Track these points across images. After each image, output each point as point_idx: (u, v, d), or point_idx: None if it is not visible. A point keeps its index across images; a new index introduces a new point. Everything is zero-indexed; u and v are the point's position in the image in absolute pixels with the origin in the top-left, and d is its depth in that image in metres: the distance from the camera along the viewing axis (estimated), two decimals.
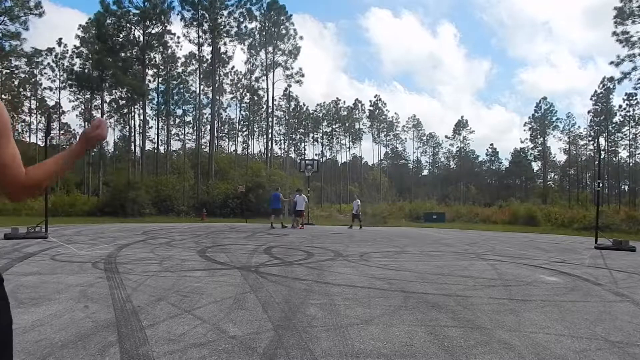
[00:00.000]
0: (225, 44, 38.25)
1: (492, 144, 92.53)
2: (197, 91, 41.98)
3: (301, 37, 44.43)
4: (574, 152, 60.39)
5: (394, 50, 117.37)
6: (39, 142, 52.50)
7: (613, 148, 56.97)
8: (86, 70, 39.65)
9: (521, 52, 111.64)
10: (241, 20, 37.97)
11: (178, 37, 37.01)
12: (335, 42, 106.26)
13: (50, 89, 48.87)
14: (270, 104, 45.56)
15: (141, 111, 38.13)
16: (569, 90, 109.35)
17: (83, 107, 48.61)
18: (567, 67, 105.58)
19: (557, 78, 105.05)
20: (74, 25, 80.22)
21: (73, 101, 48.55)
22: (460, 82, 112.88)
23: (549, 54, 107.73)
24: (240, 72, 48.15)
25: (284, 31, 41.76)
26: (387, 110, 71.57)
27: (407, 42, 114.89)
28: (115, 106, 42.19)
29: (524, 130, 69.07)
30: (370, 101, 72.49)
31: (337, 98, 72.25)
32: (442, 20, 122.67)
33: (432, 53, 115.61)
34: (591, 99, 56.51)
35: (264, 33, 41.26)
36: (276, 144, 58.89)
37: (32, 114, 55.10)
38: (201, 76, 40.06)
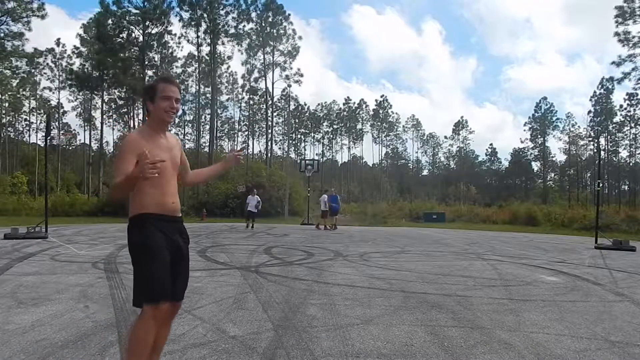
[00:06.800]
0: (223, 44, 38.29)
1: (491, 144, 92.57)
2: (196, 91, 42.06)
3: (300, 37, 44.44)
4: (574, 152, 60.40)
5: (379, 48, 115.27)
6: (39, 142, 52.61)
7: (613, 148, 57.01)
8: (86, 70, 39.72)
9: (506, 49, 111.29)
10: (239, 20, 38.02)
11: (178, 38, 37.04)
12: (320, 40, 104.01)
13: (50, 89, 49.03)
14: (269, 104, 45.61)
15: (141, 111, 38.15)
16: (558, 88, 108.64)
17: (82, 107, 48.77)
18: (553, 64, 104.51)
19: (544, 75, 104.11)
20: (62, 24, 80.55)
21: (72, 101, 48.72)
22: (448, 81, 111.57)
23: (534, 52, 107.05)
24: (239, 72, 48.24)
25: (282, 31, 41.75)
26: (391, 111, 71.59)
27: (392, 39, 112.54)
28: (114, 106, 42.22)
29: (524, 130, 69.00)
30: (376, 100, 72.57)
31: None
32: (426, 17, 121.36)
33: (417, 51, 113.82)
34: (591, 99, 56.57)
35: (261, 33, 41.23)
36: (276, 144, 58.93)
37: (32, 114, 55.25)
38: (200, 76, 40.08)
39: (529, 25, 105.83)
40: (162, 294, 2.15)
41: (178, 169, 2.45)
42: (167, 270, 2.21)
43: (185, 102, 45.54)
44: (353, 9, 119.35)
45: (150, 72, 36.33)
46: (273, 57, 42.32)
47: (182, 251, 2.33)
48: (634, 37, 31.88)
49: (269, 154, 44.00)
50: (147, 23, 34.46)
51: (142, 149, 2.15)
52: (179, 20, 36.69)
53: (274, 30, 41.45)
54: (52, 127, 43.53)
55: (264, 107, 48.51)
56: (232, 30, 37.81)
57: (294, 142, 65.36)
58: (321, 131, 69.47)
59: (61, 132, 48.98)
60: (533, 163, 66.38)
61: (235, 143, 62.47)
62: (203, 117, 43.48)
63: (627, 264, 8.71)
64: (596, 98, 55.82)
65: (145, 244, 2.21)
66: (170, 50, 37.24)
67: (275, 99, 50.09)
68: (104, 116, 42.95)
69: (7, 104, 47.94)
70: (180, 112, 2.43)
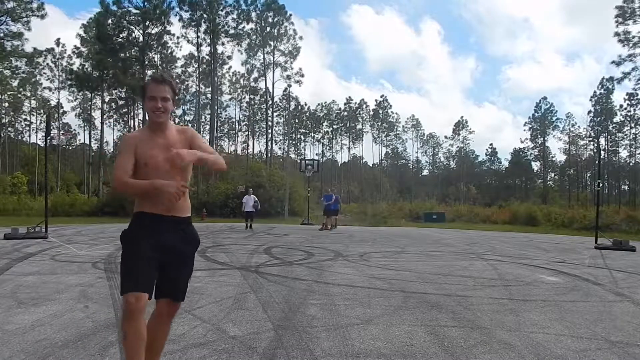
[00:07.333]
0: (223, 44, 38.30)
1: (491, 144, 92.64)
2: (196, 91, 42.05)
3: (301, 37, 44.46)
4: (574, 152, 60.41)
5: (378, 48, 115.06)
6: (39, 142, 52.61)
7: (613, 148, 57.02)
8: (86, 70, 39.70)
9: (505, 49, 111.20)
10: (239, 20, 38.02)
11: (177, 38, 37.05)
12: (319, 39, 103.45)
13: (50, 89, 49.04)
14: (269, 104, 45.63)
15: (141, 111, 38.18)
16: (557, 88, 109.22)
17: (81, 107, 48.76)
18: (552, 64, 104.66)
19: (543, 75, 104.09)
20: (60, 24, 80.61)
21: (72, 101, 48.72)
22: (448, 81, 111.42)
23: (533, 52, 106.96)
24: (239, 72, 48.28)
25: (282, 31, 41.75)
26: (391, 111, 71.61)
27: (391, 39, 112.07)
28: (114, 106, 42.23)
29: (524, 130, 69.09)
30: (376, 100, 72.63)
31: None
32: (424, 17, 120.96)
33: (416, 50, 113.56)
34: (591, 99, 56.62)
35: (261, 33, 41.21)
36: (276, 144, 58.93)
37: (32, 114, 55.25)
38: (200, 77, 40.08)
39: (528, 25, 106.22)
40: (130, 288, 2.12)
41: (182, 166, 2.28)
42: (144, 267, 2.15)
43: (186, 102, 45.56)
44: (352, 8, 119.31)
45: (150, 72, 36.39)
46: (273, 57, 42.36)
47: (176, 253, 2.26)
48: (634, 37, 31.94)
49: (269, 154, 44.02)
50: (147, 23, 34.47)
51: (138, 145, 2.23)
52: (179, 20, 36.75)
53: (275, 30, 41.46)
54: (52, 127, 43.52)
55: (264, 107, 48.55)
56: (232, 31, 37.84)
57: (294, 142, 65.37)
58: (321, 131, 69.48)
59: (61, 132, 48.94)
60: (533, 163, 66.48)
61: (236, 143, 62.58)
62: (203, 117, 43.50)
63: (627, 264, 8.71)
64: (596, 98, 55.88)
65: (126, 240, 2.24)
66: (169, 51, 37.27)
67: (275, 99, 50.12)
68: (104, 116, 42.99)
69: (7, 104, 47.95)
70: (171, 110, 2.30)
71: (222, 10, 37.14)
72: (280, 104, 57.22)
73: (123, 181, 2.20)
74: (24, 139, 58.68)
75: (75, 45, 42.04)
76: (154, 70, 37.01)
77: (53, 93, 49.41)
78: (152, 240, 2.20)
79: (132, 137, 2.31)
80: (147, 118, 2.41)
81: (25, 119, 56.08)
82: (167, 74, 2.39)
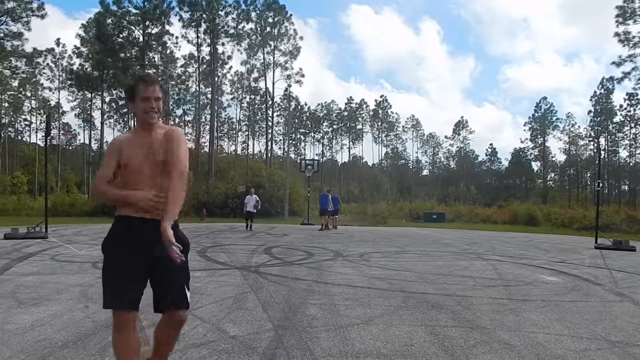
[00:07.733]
0: (223, 44, 38.32)
1: (491, 144, 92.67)
2: (195, 90, 42.03)
3: (301, 37, 44.47)
4: (574, 152, 60.41)
5: (377, 48, 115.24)
6: (39, 142, 52.61)
7: (613, 148, 57.02)
8: (86, 70, 39.69)
9: (503, 49, 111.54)
10: (239, 20, 38.05)
11: (177, 38, 37.05)
12: (317, 39, 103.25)
13: (50, 89, 49.05)
14: (269, 104, 45.63)
15: None
16: (556, 88, 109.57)
17: (80, 107, 48.76)
18: (551, 63, 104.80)
19: (542, 75, 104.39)
20: (59, 24, 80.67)
21: (72, 101, 48.72)
22: (447, 80, 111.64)
23: (532, 52, 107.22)
24: (240, 72, 48.27)
25: (282, 31, 41.76)
26: (391, 111, 71.68)
27: (390, 39, 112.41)
28: (114, 106, 42.22)
29: (524, 130, 69.12)
30: (376, 100, 72.68)
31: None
32: (423, 17, 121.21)
33: (415, 50, 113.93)
34: (591, 99, 56.63)
35: (261, 33, 41.21)
36: (276, 144, 58.94)
37: (32, 114, 55.26)
38: (200, 77, 40.08)
39: (526, 24, 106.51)
40: (115, 304, 2.09)
41: (161, 164, 2.15)
42: (128, 281, 2.07)
43: (186, 102, 45.52)
44: (351, 8, 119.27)
45: (150, 72, 36.34)
46: (274, 57, 42.37)
47: (164, 259, 2.06)
48: (634, 37, 31.96)
49: (269, 154, 44.03)
50: (147, 23, 34.48)
51: (123, 148, 2.16)
52: (179, 20, 36.79)
53: (275, 30, 41.48)
54: (52, 127, 43.49)
55: (264, 107, 48.56)
56: (232, 31, 37.88)
57: (294, 142, 65.37)
58: (321, 131, 69.49)
59: (61, 132, 48.91)
60: (533, 163, 66.48)
61: (236, 143, 62.56)
62: (203, 117, 43.50)
63: (627, 264, 8.71)
64: (596, 98, 55.87)
65: (108, 251, 2.15)
66: (169, 51, 37.28)
67: (275, 99, 50.13)
68: (104, 116, 42.99)
69: (7, 104, 47.98)
70: (161, 109, 2.22)
71: (222, 10, 37.18)
72: (281, 104, 57.25)
73: (98, 190, 2.17)
74: (24, 139, 58.79)
75: (75, 45, 42.08)
76: (154, 71, 37.03)
77: (53, 93, 49.50)
78: (136, 248, 2.08)
79: (116, 141, 2.23)
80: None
81: (25, 119, 56.12)
82: (154, 74, 2.35)
